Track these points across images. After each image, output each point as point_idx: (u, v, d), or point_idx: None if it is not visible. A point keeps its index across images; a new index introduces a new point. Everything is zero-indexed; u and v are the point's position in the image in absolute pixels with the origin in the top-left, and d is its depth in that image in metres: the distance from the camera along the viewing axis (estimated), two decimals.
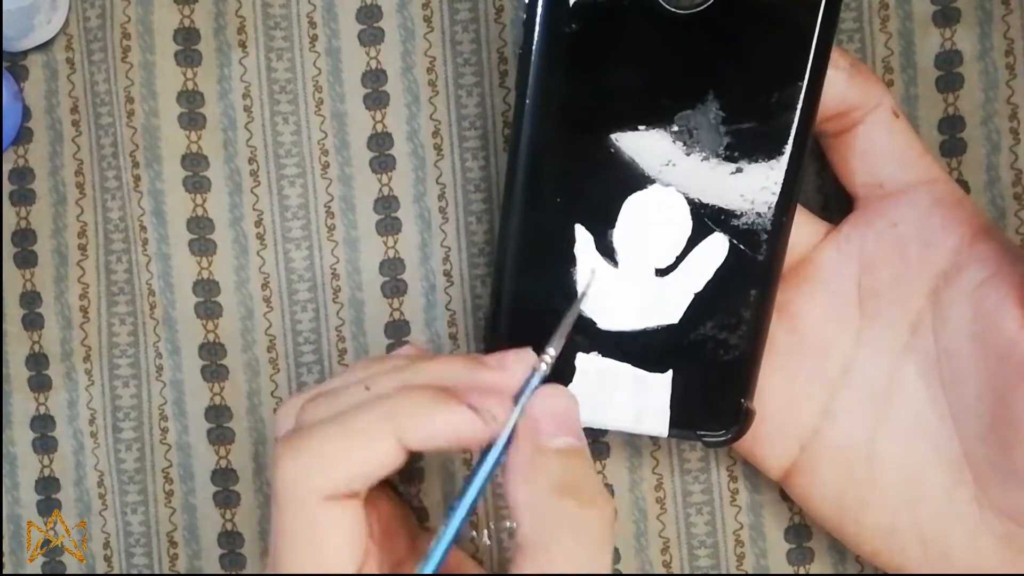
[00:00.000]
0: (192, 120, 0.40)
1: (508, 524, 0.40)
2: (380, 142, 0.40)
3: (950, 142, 0.39)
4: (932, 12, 0.38)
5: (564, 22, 0.32)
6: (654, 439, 0.40)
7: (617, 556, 0.40)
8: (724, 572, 0.40)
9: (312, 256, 0.40)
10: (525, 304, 0.35)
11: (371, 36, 0.40)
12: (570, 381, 0.35)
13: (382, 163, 0.40)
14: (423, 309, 0.40)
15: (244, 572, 0.41)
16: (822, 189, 0.39)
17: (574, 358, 0.35)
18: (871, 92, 0.34)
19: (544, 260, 0.34)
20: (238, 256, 0.40)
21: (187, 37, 0.40)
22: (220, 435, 0.41)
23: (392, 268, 0.40)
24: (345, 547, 0.30)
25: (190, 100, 0.40)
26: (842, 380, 0.35)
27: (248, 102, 0.40)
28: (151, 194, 0.40)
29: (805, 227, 0.36)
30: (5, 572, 0.42)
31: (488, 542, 0.40)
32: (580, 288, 0.34)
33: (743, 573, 0.40)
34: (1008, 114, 0.38)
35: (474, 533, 0.40)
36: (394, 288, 0.40)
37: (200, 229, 0.40)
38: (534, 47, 0.32)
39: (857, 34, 0.39)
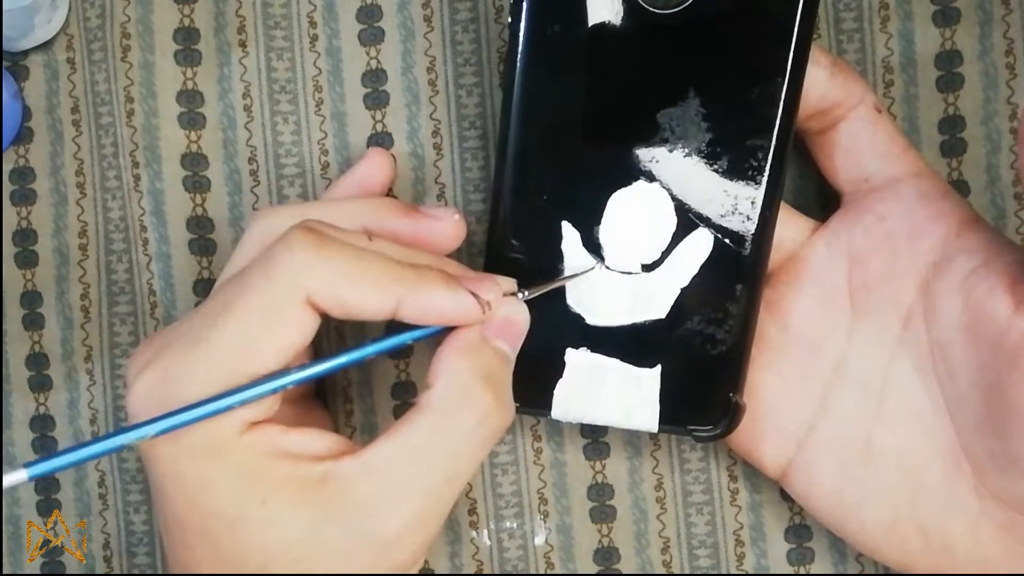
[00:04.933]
0: (192, 120, 0.40)
1: (508, 525, 0.40)
2: (380, 142, 0.40)
3: (950, 142, 0.39)
4: (932, 12, 0.38)
5: (547, 23, 0.33)
6: (653, 436, 0.40)
7: (617, 556, 0.40)
8: (724, 572, 0.40)
9: None
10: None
11: (371, 36, 0.40)
12: (560, 377, 0.35)
13: None
14: None
15: (244, 572, 0.41)
16: (822, 188, 0.39)
17: (564, 354, 0.35)
18: (853, 89, 0.34)
19: (532, 257, 0.35)
20: None
21: (187, 37, 0.40)
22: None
23: None
24: (290, 337, 0.31)
25: (190, 100, 0.40)
26: (835, 376, 0.35)
27: (248, 102, 0.40)
28: (151, 194, 0.40)
29: (792, 224, 0.36)
30: (5, 572, 0.42)
31: (488, 542, 0.40)
32: (577, 281, 0.35)
33: (743, 573, 0.40)
34: (1008, 114, 0.38)
35: (474, 533, 0.40)
36: None
37: (200, 229, 0.40)
38: (518, 48, 0.33)
39: (857, 34, 0.39)
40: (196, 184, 0.40)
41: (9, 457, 0.42)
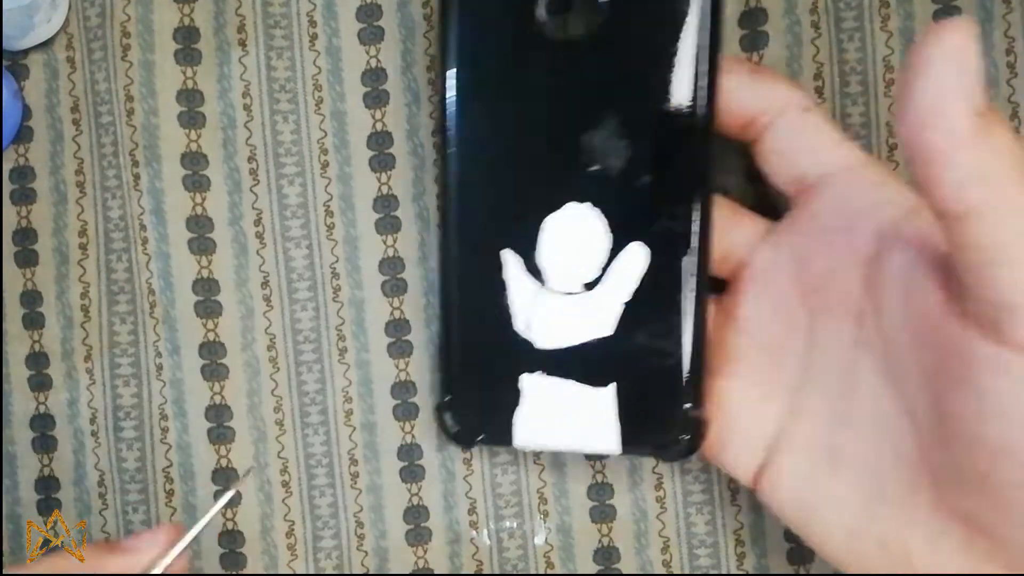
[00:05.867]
0: (192, 119, 0.40)
1: (508, 524, 0.40)
2: (379, 141, 0.40)
3: None
4: (933, 11, 0.38)
5: (472, 60, 0.35)
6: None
7: (617, 556, 0.40)
8: (724, 572, 0.40)
9: (312, 255, 0.40)
10: (470, 332, 0.36)
11: (371, 35, 0.40)
12: (517, 405, 0.36)
13: (381, 162, 0.40)
14: (423, 308, 0.40)
15: (244, 572, 0.41)
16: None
17: (519, 380, 0.36)
18: (775, 96, 0.34)
19: (479, 288, 0.36)
20: (238, 255, 0.40)
21: (187, 36, 0.40)
22: (220, 434, 0.41)
23: (392, 267, 0.40)
24: None
25: (190, 99, 0.40)
26: (800, 380, 0.35)
27: (248, 101, 0.40)
28: (151, 193, 0.40)
29: (744, 228, 0.36)
30: (5, 572, 0.42)
31: (488, 542, 0.40)
32: (523, 307, 0.35)
33: (743, 573, 0.40)
34: (1009, 113, 0.38)
35: (474, 533, 0.40)
36: (394, 287, 0.40)
37: (199, 228, 0.40)
38: (448, 89, 0.35)
39: (858, 33, 0.39)
40: (196, 183, 0.40)
41: (9, 457, 0.42)
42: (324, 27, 0.40)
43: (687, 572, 0.40)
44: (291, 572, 0.41)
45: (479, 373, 0.36)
